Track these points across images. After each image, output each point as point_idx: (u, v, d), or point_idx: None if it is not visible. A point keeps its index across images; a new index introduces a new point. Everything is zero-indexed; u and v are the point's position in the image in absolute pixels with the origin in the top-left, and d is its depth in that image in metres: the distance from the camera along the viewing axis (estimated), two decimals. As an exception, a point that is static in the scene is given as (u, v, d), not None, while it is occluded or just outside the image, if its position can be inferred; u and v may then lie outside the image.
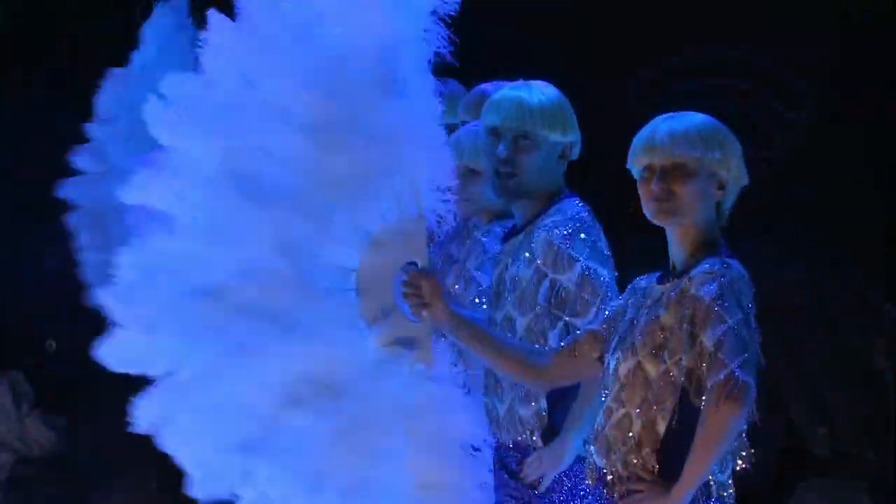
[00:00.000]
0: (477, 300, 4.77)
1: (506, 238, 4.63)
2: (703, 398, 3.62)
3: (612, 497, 3.77)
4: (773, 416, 7.45)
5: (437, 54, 4.01)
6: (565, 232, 4.40)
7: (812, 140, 7.53)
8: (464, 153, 4.78)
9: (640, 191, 3.81)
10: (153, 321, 3.87)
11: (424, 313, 3.99)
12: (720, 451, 3.63)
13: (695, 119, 3.79)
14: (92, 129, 6.92)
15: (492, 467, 4.25)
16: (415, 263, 4.00)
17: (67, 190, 6.89)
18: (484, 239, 4.88)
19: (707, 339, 3.61)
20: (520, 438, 4.50)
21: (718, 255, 3.73)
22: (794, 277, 7.42)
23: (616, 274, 4.45)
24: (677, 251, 3.81)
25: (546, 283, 4.40)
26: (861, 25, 7.39)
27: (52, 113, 7.98)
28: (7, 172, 7.83)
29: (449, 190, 3.96)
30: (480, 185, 4.80)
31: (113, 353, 3.88)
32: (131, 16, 7.92)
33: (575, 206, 4.49)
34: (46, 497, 7.42)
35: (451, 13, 3.98)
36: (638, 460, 3.72)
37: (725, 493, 3.73)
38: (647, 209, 3.79)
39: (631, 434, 3.73)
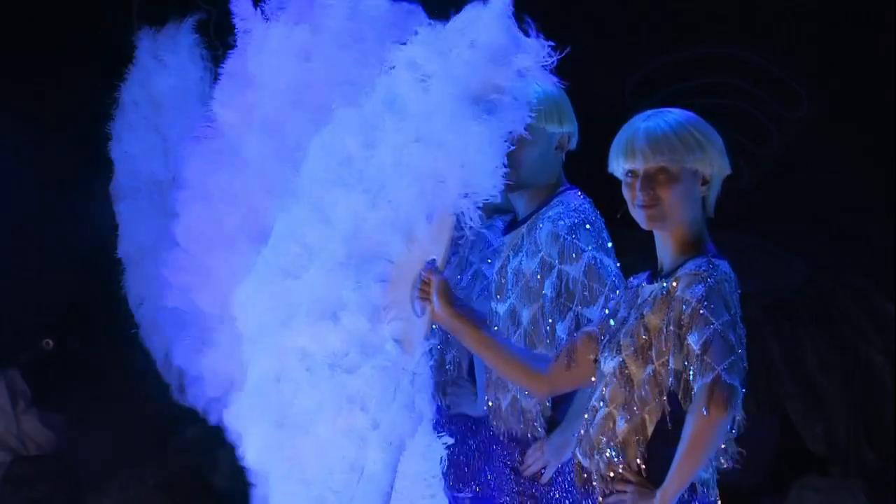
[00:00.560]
0: (483, 293, 4.76)
1: (506, 231, 4.62)
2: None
3: (596, 497, 3.77)
4: (770, 415, 7.45)
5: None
6: (570, 223, 4.39)
7: (812, 139, 7.54)
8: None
9: (626, 195, 3.79)
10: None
11: (428, 311, 4.01)
12: (707, 454, 3.61)
13: (671, 119, 3.75)
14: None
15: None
16: (434, 261, 4.02)
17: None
18: (486, 232, 4.88)
19: (693, 342, 3.60)
20: (522, 430, 4.49)
21: (705, 255, 3.72)
22: (794, 277, 7.42)
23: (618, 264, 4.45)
24: (664, 250, 3.80)
25: (553, 275, 4.39)
26: (861, 24, 7.40)
27: (50, 114, 7.97)
28: (5, 172, 7.81)
29: (490, 196, 3.97)
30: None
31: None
32: (130, 15, 7.92)
33: (577, 198, 4.48)
34: (43, 495, 7.40)
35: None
36: (622, 461, 3.71)
37: (710, 492, 3.73)
38: (636, 216, 3.78)
39: (615, 434, 3.71)
